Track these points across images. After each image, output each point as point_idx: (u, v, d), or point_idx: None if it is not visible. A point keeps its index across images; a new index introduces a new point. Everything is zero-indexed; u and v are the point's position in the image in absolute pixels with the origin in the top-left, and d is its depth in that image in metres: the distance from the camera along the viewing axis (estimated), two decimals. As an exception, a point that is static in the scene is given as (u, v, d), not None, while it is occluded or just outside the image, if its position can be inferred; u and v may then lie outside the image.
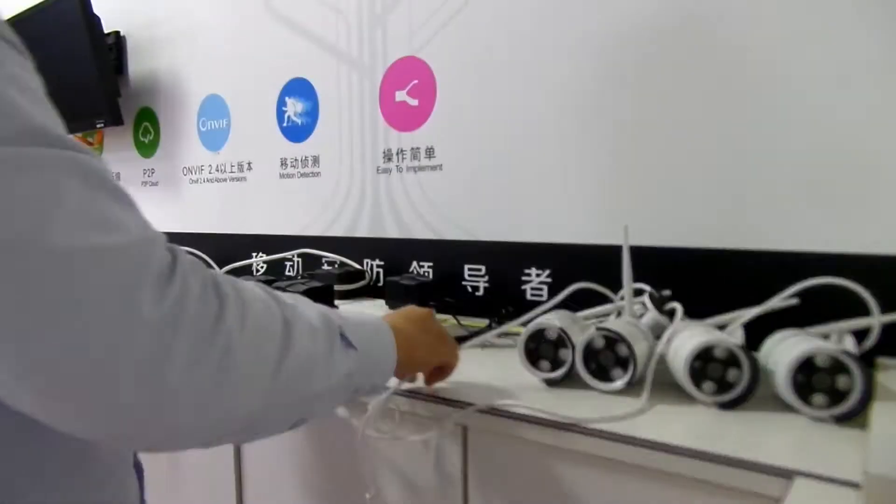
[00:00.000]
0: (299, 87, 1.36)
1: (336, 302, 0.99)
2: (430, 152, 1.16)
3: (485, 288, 1.09)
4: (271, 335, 0.40)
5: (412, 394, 0.67)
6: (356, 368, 0.48)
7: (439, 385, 0.68)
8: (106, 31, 1.65)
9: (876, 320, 0.68)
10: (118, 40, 1.73)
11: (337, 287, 1.12)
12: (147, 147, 1.75)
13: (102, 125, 1.67)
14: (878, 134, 0.75)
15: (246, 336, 0.37)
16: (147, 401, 0.33)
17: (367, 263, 1.26)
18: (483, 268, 1.10)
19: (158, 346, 0.32)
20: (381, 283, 1.23)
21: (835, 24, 0.77)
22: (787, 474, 0.47)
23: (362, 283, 1.22)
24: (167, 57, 1.65)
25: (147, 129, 1.74)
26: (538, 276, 1.03)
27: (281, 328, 0.41)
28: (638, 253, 0.77)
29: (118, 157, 1.82)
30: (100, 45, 1.57)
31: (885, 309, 0.68)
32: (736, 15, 0.83)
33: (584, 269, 0.97)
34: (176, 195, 1.68)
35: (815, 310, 0.71)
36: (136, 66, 1.73)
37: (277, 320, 0.41)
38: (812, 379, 0.57)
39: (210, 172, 1.58)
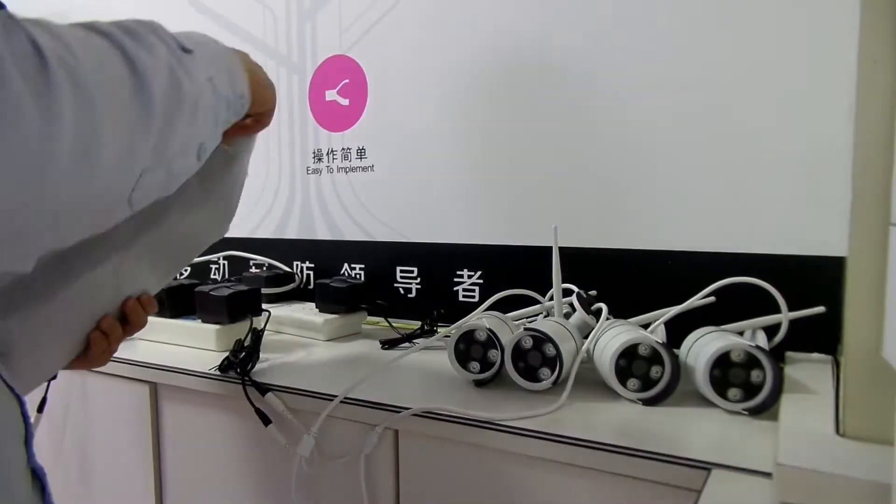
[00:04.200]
0: (225, 84, 1.30)
1: (264, 306, 0.96)
2: (361, 153, 1.15)
3: (417, 290, 1.09)
4: (108, 54, 0.38)
5: (345, 399, 0.65)
6: (210, 69, 0.47)
7: (367, 394, 0.67)
8: (12, 18, 1.54)
9: (784, 317, 0.72)
10: (26, 29, 1.62)
11: (265, 290, 1.09)
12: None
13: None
14: (785, 136, 0.79)
15: (83, 61, 0.35)
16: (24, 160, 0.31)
17: (297, 266, 1.23)
18: (415, 269, 1.09)
19: None
20: (311, 286, 1.20)
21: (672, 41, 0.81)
22: (705, 467, 0.48)
23: (292, 285, 1.18)
24: (81, 48, 1.55)
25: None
26: (470, 277, 1.03)
27: (117, 51, 0.39)
28: (566, 254, 0.79)
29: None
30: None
31: (792, 306, 0.72)
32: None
33: (515, 270, 0.99)
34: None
35: (731, 308, 0.74)
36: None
37: (108, 47, 0.38)
38: (728, 373, 0.60)
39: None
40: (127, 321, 0.61)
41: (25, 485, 0.43)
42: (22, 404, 0.44)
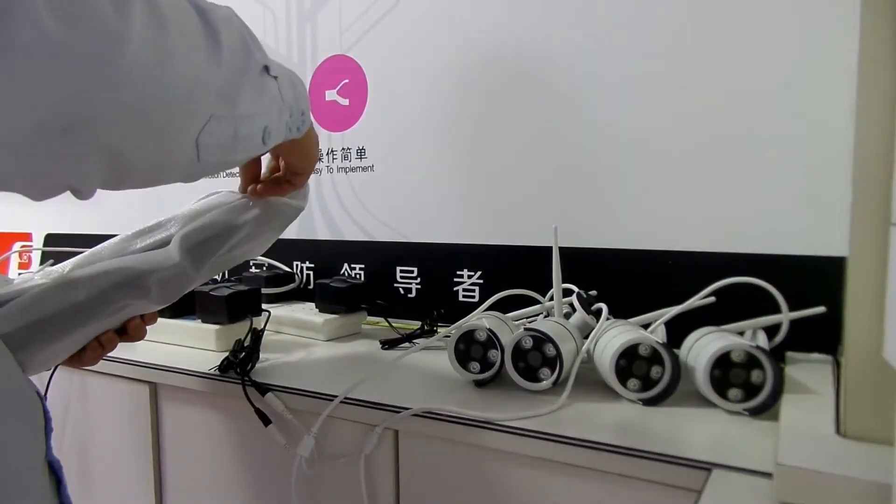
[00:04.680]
0: (225, 84, 1.31)
1: (264, 306, 0.96)
2: (361, 153, 1.15)
3: (417, 290, 1.09)
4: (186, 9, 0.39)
5: (345, 400, 0.65)
6: (277, 71, 0.49)
7: (367, 394, 0.67)
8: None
9: (785, 317, 0.72)
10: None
11: (265, 290, 1.09)
12: (59, 143, 1.64)
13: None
14: (785, 136, 0.79)
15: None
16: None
17: (297, 266, 1.23)
18: (415, 269, 1.09)
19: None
20: (311, 286, 1.20)
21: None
22: (705, 467, 0.48)
23: (291, 285, 1.18)
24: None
25: (59, 125, 1.63)
26: (470, 277, 1.03)
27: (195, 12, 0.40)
28: (566, 254, 0.79)
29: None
30: None
31: (792, 306, 0.72)
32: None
33: (515, 270, 0.99)
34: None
35: (731, 308, 0.74)
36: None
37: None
38: (729, 374, 0.60)
39: (129, 171, 1.50)
40: (126, 332, 0.63)
41: (44, 477, 0.46)
42: (42, 400, 0.46)
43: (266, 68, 0.48)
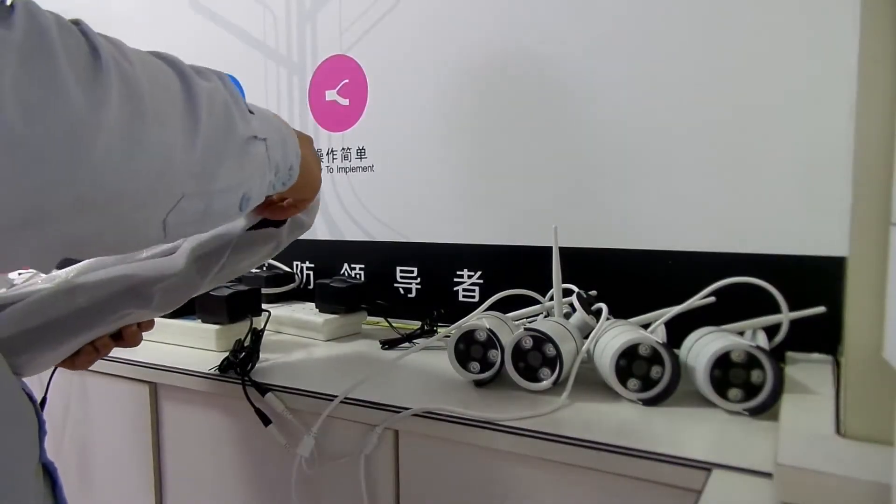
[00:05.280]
0: (225, 84, 1.30)
1: (264, 306, 0.96)
2: (361, 153, 1.15)
3: (417, 290, 1.09)
4: (165, 71, 0.38)
5: (345, 400, 0.65)
6: (266, 132, 0.47)
7: (367, 394, 0.67)
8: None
9: (785, 317, 0.72)
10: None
11: (265, 290, 1.09)
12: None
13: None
14: (785, 136, 0.79)
15: (137, 68, 0.35)
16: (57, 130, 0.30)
17: (297, 266, 1.23)
18: (415, 269, 1.09)
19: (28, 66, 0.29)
20: (311, 286, 1.20)
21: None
22: (705, 467, 0.48)
23: (291, 285, 1.18)
24: (81, 48, 1.55)
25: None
26: (470, 277, 1.03)
27: (174, 71, 0.39)
28: (566, 254, 0.79)
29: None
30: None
31: (792, 306, 0.72)
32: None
33: (515, 270, 0.99)
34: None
35: (731, 308, 0.74)
36: (47, 57, 1.62)
37: (167, 67, 0.39)
38: (729, 374, 0.60)
39: (129, 171, 1.50)
40: (121, 338, 0.64)
41: (39, 479, 0.47)
42: (35, 404, 0.46)
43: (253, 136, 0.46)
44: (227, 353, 0.78)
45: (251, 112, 0.47)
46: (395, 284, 1.11)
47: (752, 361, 0.59)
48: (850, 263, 0.45)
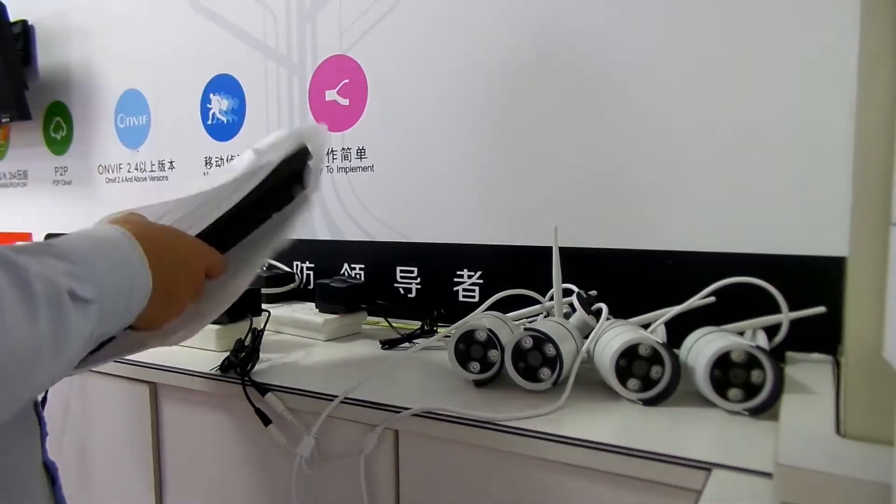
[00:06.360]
0: (225, 84, 1.31)
1: (264, 306, 0.96)
2: (361, 153, 1.15)
3: (417, 290, 1.09)
4: None
5: (345, 400, 0.65)
6: (97, 322, 0.42)
7: (367, 394, 0.67)
8: (12, 19, 1.54)
9: (785, 317, 0.72)
10: (25, 30, 1.62)
11: (265, 290, 1.09)
12: (59, 143, 1.64)
13: (8, 120, 1.56)
14: (785, 136, 0.79)
15: None
16: None
17: (297, 266, 1.23)
18: (415, 269, 1.09)
19: None
20: (311, 286, 1.20)
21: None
22: (705, 467, 0.48)
23: (291, 285, 1.18)
24: (80, 49, 1.55)
25: (59, 125, 1.63)
26: (470, 277, 1.03)
27: None
28: (566, 254, 0.78)
29: (26, 153, 1.71)
30: (4, 33, 1.46)
31: (792, 306, 0.72)
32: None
33: (515, 270, 0.99)
34: (91, 194, 1.59)
35: (731, 308, 0.74)
36: (47, 58, 1.62)
37: None
38: (729, 374, 0.60)
39: (129, 171, 1.50)
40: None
41: (40, 478, 0.47)
42: (37, 405, 0.46)
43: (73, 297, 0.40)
44: (227, 353, 0.78)
45: (89, 301, 0.42)
46: (395, 284, 1.11)
47: (752, 361, 0.59)
48: (850, 263, 0.44)
